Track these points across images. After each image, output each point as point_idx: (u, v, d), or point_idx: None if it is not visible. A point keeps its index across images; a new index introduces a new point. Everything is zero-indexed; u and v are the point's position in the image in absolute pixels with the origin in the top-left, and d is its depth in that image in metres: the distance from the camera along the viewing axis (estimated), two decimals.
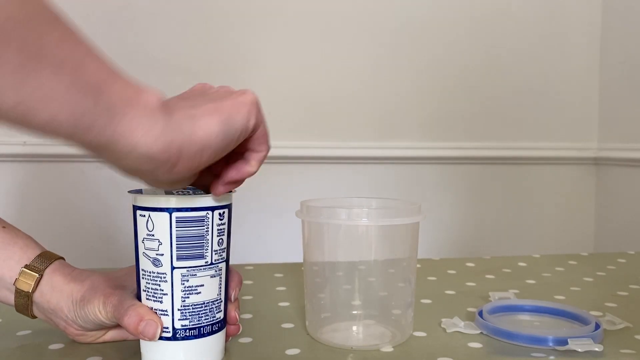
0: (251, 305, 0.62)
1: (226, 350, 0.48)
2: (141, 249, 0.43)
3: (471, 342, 0.50)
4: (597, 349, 0.48)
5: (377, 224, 0.49)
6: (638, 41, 1.49)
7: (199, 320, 0.43)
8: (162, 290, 0.42)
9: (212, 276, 0.44)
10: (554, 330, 0.54)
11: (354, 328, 0.52)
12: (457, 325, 0.54)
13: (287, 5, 1.47)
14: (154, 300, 0.43)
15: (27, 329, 0.54)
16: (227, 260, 0.46)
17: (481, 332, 0.52)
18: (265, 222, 1.46)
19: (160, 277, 0.42)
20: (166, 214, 0.42)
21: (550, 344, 0.49)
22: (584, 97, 1.62)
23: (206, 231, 0.43)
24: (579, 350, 0.47)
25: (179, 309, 0.43)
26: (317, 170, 1.50)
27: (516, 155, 1.58)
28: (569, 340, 0.48)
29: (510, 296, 0.61)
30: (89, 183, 1.38)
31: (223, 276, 0.45)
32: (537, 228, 1.62)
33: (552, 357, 0.47)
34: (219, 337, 0.46)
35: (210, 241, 0.43)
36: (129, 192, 0.44)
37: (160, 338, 0.43)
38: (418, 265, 0.78)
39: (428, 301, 0.63)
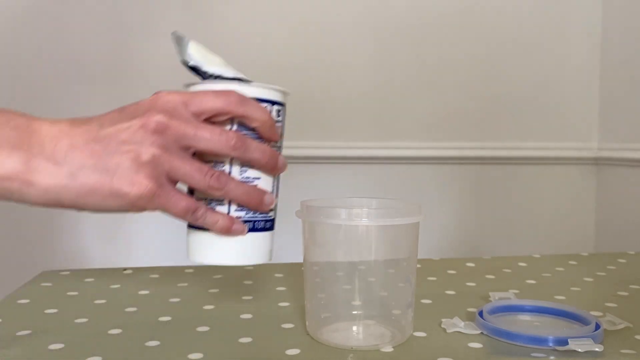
0: (251, 305, 0.62)
1: (225, 348, 0.48)
2: None
3: (471, 343, 0.50)
4: (597, 349, 0.48)
5: (377, 224, 0.49)
6: (638, 41, 1.49)
7: (254, 214, 0.43)
8: None
9: None
10: (554, 330, 0.54)
11: (354, 328, 0.52)
12: (457, 325, 0.53)
13: (288, 4, 1.47)
14: None
15: (27, 329, 0.54)
16: None
17: (481, 332, 0.52)
18: None
19: (219, 166, 0.43)
20: None
21: (551, 344, 0.49)
22: (584, 97, 1.62)
23: None
24: (579, 350, 0.47)
25: None
26: (317, 170, 1.50)
27: (516, 155, 1.58)
28: (569, 340, 0.48)
29: (510, 296, 0.61)
30: None
31: (278, 176, 0.45)
32: (537, 228, 1.62)
33: (552, 358, 0.47)
34: (269, 235, 0.45)
35: None
36: (185, 85, 0.45)
37: None
38: (418, 265, 0.78)
39: (428, 301, 0.63)
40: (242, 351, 0.49)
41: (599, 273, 0.77)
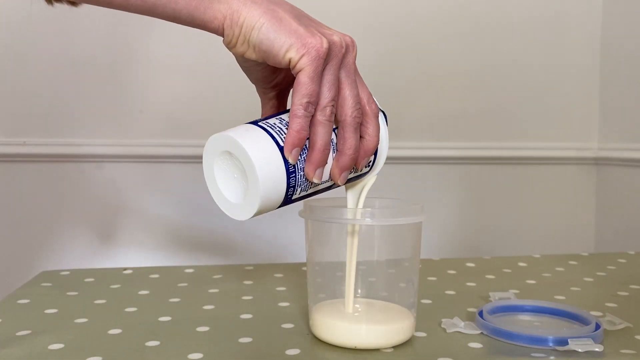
0: (251, 305, 0.62)
1: (225, 348, 0.48)
2: None
3: (471, 343, 0.50)
4: (597, 349, 0.48)
5: (380, 224, 0.49)
6: (638, 41, 1.49)
7: (301, 175, 0.44)
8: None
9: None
10: (554, 330, 0.54)
11: (355, 328, 0.52)
12: (457, 325, 0.54)
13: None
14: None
15: (27, 329, 0.54)
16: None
17: (481, 333, 0.52)
18: (265, 222, 1.46)
19: None
20: None
21: (551, 344, 0.49)
22: (584, 97, 1.62)
23: None
24: (579, 350, 0.47)
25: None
26: None
27: (516, 155, 1.58)
28: (569, 340, 0.48)
29: (510, 296, 0.61)
30: (89, 183, 1.38)
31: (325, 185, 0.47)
32: (537, 228, 1.62)
33: (552, 358, 0.47)
34: (280, 198, 0.45)
35: None
36: None
37: (280, 147, 0.42)
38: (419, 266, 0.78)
39: (428, 301, 0.63)
40: (242, 351, 0.49)
41: (599, 273, 0.77)
